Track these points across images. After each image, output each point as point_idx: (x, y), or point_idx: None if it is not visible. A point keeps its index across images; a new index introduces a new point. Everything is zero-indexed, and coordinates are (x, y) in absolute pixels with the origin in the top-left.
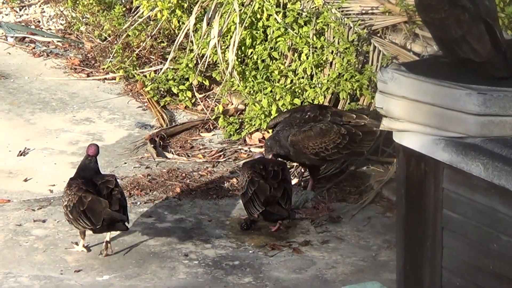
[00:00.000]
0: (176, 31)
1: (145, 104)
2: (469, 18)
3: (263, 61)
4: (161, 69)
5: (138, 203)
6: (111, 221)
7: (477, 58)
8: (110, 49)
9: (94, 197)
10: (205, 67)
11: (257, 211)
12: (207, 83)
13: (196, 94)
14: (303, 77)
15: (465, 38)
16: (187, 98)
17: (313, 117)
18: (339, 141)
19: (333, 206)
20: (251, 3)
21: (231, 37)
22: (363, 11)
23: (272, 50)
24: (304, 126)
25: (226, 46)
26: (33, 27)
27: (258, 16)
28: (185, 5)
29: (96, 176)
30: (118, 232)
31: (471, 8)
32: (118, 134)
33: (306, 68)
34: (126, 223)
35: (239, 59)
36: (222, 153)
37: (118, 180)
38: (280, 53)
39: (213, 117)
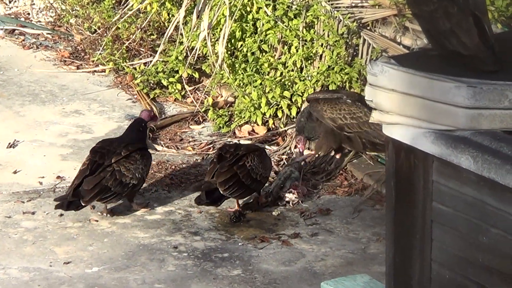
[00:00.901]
0: (166, 24)
1: (135, 96)
2: (457, 11)
3: (253, 53)
4: (151, 61)
5: None
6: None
7: (465, 51)
8: (99, 41)
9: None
10: (194, 59)
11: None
12: (196, 75)
13: (185, 86)
14: (292, 70)
15: (453, 30)
16: (176, 91)
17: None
18: (360, 115)
19: (322, 198)
20: None
21: (221, 29)
22: (353, 4)
23: (262, 42)
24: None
25: (216, 39)
26: (22, 19)
27: (248, 8)
28: None
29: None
30: (104, 226)
31: (460, 1)
32: (107, 127)
33: (296, 61)
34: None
35: (229, 52)
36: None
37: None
38: (270, 46)
39: (203, 109)
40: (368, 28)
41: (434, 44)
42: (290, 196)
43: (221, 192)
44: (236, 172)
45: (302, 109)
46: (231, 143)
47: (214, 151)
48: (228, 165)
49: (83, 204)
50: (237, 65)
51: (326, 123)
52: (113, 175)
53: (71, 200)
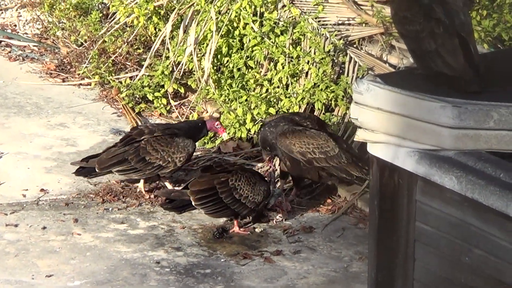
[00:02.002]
0: (153, 38)
1: (120, 110)
2: (443, 32)
3: (238, 69)
4: (136, 75)
5: (111, 209)
6: None
7: (450, 72)
8: (86, 54)
9: None
10: (180, 74)
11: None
12: (182, 90)
13: (171, 101)
14: (278, 87)
15: (438, 51)
16: (162, 105)
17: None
18: (328, 149)
19: (305, 216)
20: (228, 12)
21: (207, 45)
22: (340, 22)
23: (248, 59)
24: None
25: (202, 54)
26: (9, 31)
27: (235, 24)
28: (162, 12)
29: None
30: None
31: (446, 22)
32: (92, 140)
33: (281, 78)
34: None
35: (215, 67)
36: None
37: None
38: (256, 62)
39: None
40: (354, 46)
41: (419, 64)
42: (275, 216)
43: (192, 202)
44: (214, 186)
45: (262, 125)
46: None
47: (198, 167)
48: (209, 177)
49: (97, 171)
50: (223, 81)
51: (296, 157)
52: (136, 151)
53: (85, 166)
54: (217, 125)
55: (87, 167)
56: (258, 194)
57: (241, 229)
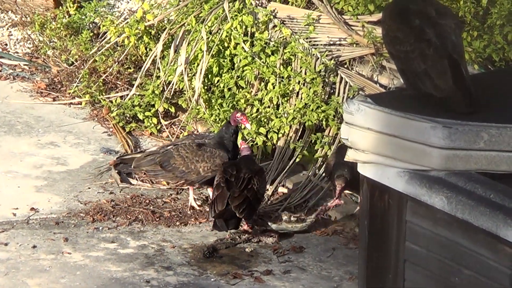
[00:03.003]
0: (143, 58)
1: (111, 129)
2: (433, 53)
3: (229, 89)
4: (127, 95)
5: (101, 228)
6: None
7: (438, 93)
8: (76, 73)
9: None
10: (171, 94)
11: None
12: (173, 110)
13: (161, 120)
14: (269, 107)
15: (427, 72)
16: (152, 125)
17: None
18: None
19: (295, 236)
20: (218, 31)
21: (198, 64)
22: (331, 42)
23: (239, 78)
24: None
25: (193, 74)
26: (0, 49)
27: (226, 44)
28: (153, 32)
29: None
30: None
31: (437, 43)
32: (82, 159)
33: (272, 98)
34: None
35: (206, 87)
36: None
37: None
38: (246, 82)
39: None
40: (345, 66)
41: (408, 84)
42: (269, 240)
43: (238, 215)
44: (247, 196)
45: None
46: (229, 162)
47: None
48: (239, 190)
49: (132, 168)
50: (213, 101)
51: None
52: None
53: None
54: (238, 116)
55: (124, 163)
56: (265, 187)
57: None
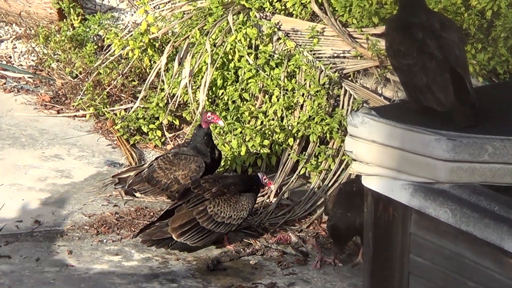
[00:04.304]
0: (148, 70)
1: (115, 142)
2: (435, 66)
3: (233, 102)
4: (131, 107)
5: (105, 241)
6: None
7: (440, 108)
8: (81, 86)
9: None
10: (175, 106)
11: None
12: (177, 122)
13: (166, 133)
14: (273, 119)
15: (429, 86)
16: (156, 137)
17: None
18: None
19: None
20: (223, 44)
21: (202, 77)
22: (335, 55)
23: (243, 91)
24: None
25: (197, 86)
26: (4, 62)
27: (230, 57)
28: (157, 45)
29: None
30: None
31: (439, 57)
32: (87, 172)
33: (276, 110)
34: None
35: (210, 100)
36: None
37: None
38: (251, 95)
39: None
40: (349, 78)
41: (410, 98)
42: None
43: (175, 238)
44: (194, 217)
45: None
46: (213, 175)
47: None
48: (186, 209)
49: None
50: (217, 113)
51: None
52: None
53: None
54: (209, 116)
55: (121, 181)
56: (242, 210)
57: (232, 244)
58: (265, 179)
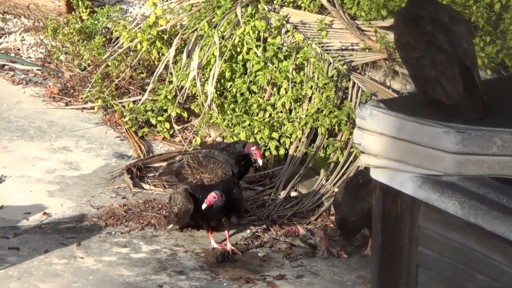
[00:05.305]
0: (156, 63)
1: (123, 134)
2: (445, 59)
3: (242, 94)
4: (140, 100)
5: (114, 233)
6: None
7: (449, 100)
8: (89, 78)
9: None
10: (184, 99)
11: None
12: (185, 115)
13: (174, 125)
14: (281, 111)
15: (438, 79)
16: (165, 130)
17: None
18: None
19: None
20: (231, 37)
21: (210, 69)
22: (343, 47)
23: (252, 83)
24: None
25: (205, 79)
26: (12, 55)
27: (238, 49)
28: (165, 37)
29: None
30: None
31: (448, 50)
32: (95, 164)
33: (285, 103)
34: None
35: (218, 92)
36: None
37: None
38: (259, 87)
39: (191, 149)
40: (358, 71)
41: (419, 91)
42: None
43: None
44: None
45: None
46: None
47: None
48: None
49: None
50: (226, 105)
51: None
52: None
53: None
54: (253, 150)
55: (145, 166)
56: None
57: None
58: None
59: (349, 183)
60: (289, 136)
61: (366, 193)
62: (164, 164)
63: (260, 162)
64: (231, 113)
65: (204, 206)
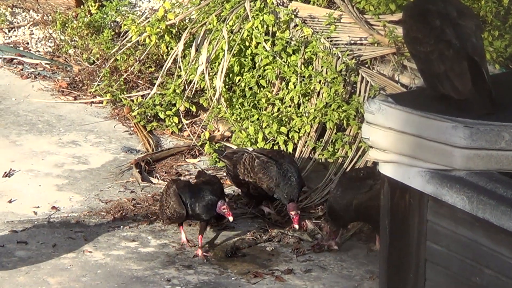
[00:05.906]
0: (165, 57)
1: (132, 128)
2: (453, 54)
3: (250, 88)
4: (148, 94)
5: (122, 227)
6: None
7: (457, 95)
8: (98, 72)
9: None
10: (192, 93)
11: None
12: (194, 109)
13: (182, 120)
14: (290, 106)
15: (447, 74)
16: (173, 124)
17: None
18: None
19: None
20: (240, 31)
21: (219, 64)
22: (352, 42)
23: (260, 78)
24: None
25: (214, 73)
26: (21, 48)
27: (247, 43)
28: (174, 31)
29: None
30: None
31: (457, 45)
32: (103, 158)
33: (293, 97)
34: None
35: (227, 86)
36: None
37: None
38: (267, 81)
39: (199, 143)
40: (366, 65)
41: (427, 85)
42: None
43: None
44: None
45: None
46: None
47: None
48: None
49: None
50: (234, 100)
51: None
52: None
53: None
54: (293, 214)
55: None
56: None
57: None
58: (223, 208)
59: (347, 175)
60: (297, 130)
61: (360, 185)
62: (235, 148)
63: (296, 227)
64: (239, 107)
65: (231, 219)
